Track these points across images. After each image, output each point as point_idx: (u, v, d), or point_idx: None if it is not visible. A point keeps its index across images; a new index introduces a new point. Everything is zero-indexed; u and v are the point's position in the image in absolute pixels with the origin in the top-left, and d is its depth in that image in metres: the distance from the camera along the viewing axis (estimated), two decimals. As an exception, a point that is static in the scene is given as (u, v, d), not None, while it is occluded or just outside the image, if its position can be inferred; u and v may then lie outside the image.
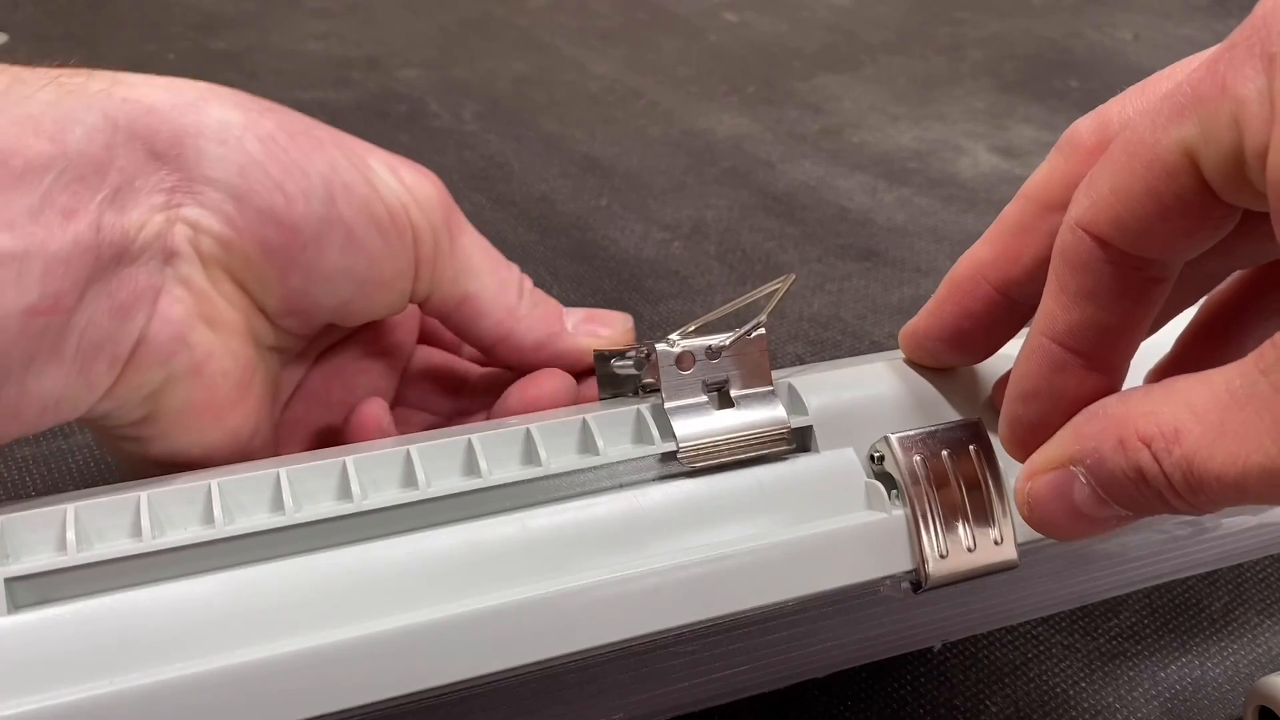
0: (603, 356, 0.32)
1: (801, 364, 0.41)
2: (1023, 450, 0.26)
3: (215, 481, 0.26)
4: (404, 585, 0.25)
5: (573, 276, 0.59)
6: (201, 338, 0.28)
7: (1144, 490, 0.23)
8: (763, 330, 0.29)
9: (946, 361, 0.31)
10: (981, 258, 0.29)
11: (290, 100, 0.30)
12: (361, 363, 0.35)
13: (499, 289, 0.33)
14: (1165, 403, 0.22)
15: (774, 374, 0.30)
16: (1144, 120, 0.22)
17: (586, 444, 0.28)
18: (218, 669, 0.23)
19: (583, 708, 0.28)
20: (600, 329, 0.35)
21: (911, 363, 0.31)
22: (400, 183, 0.30)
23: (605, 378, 0.32)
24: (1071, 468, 0.24)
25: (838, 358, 0.41)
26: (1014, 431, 0.26)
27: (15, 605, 0.23)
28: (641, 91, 0.81)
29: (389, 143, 0.32)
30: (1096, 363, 0.25)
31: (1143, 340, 0.25)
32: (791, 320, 0.56)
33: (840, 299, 0.58)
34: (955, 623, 0.32)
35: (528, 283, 0.34)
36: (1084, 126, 0.27)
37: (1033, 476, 0.25)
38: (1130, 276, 0.24)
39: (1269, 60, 0.20)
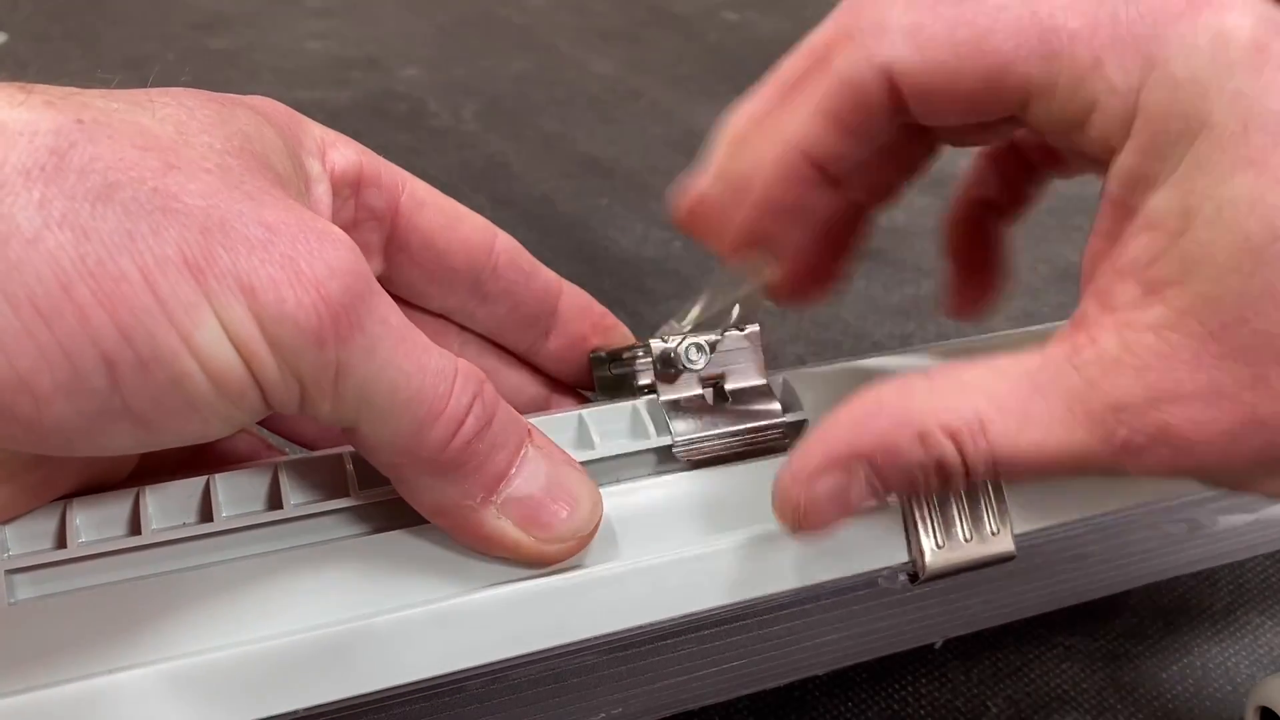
0: (600, 359, 0.32)
1: (803, 364, 0.41)
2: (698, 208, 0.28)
3: (215, 477, 0.26)
4: (402, 578, 0.25)
5: (573, 277, 0.58)
6: None
7: (932, 479, 0.23)
8: (757, 326, 0.29)
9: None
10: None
11: (290, 100, 0.28)
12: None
13: (414, 430, 0.23)
14: (962, 396, 0.23)
15: (770, 371, 0.30)
16: None
17: (583, 439, 0.28)
18: (216, 659, 0.23)
19: (580, 702, 0.28)
20: (542, 522, 0.25)
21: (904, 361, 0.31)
22: (254, 322, 0.21)
23: (603, 380, 0.32)
24: (853, 465, 0.24)
25: (839, 358, 0.41)
26: (718, 180, 0.29)
27: (15, 597, 0.24)
28: (642, 91, 0.81)
29: (388, 142, 0.31)
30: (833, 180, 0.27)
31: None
32: (792, 320, 0.56)
33: (841, 299, 0.58)
34: (955, 617, 0.32)
35: (471, 420, 0.24)
36: None
37: (810, 480, 0.24)
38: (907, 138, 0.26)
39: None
